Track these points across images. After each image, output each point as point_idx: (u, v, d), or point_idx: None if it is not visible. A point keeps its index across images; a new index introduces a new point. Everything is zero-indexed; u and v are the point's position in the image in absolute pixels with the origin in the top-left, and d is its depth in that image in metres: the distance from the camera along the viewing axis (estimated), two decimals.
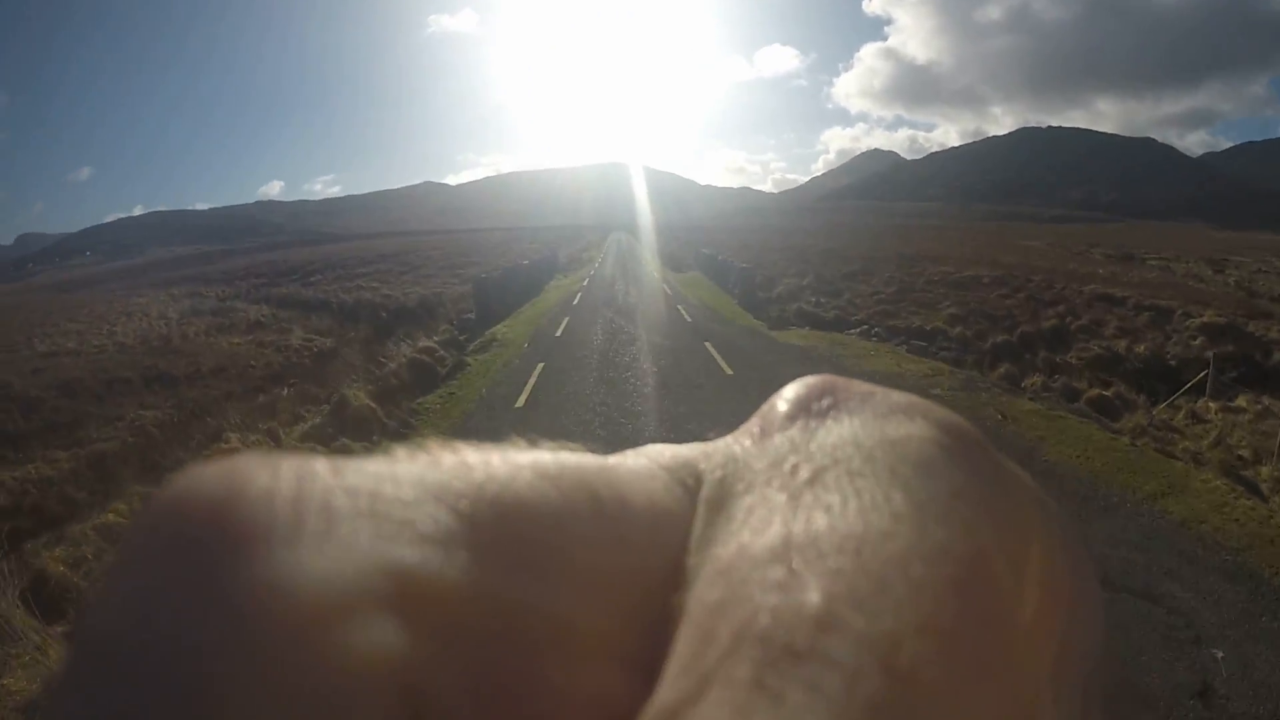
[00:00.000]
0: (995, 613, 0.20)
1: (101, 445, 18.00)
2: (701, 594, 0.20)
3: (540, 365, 16.95)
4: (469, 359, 18.45)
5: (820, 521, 0.20)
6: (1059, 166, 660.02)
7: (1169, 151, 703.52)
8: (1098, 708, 0.25)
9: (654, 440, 0.32)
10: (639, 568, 0.21)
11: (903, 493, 0.21)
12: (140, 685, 0.16)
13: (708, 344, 18.77)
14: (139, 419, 20.04)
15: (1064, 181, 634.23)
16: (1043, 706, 0.21)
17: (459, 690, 0.17)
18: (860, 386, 0.27)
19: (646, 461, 0.25)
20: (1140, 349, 21.45)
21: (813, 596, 0.18)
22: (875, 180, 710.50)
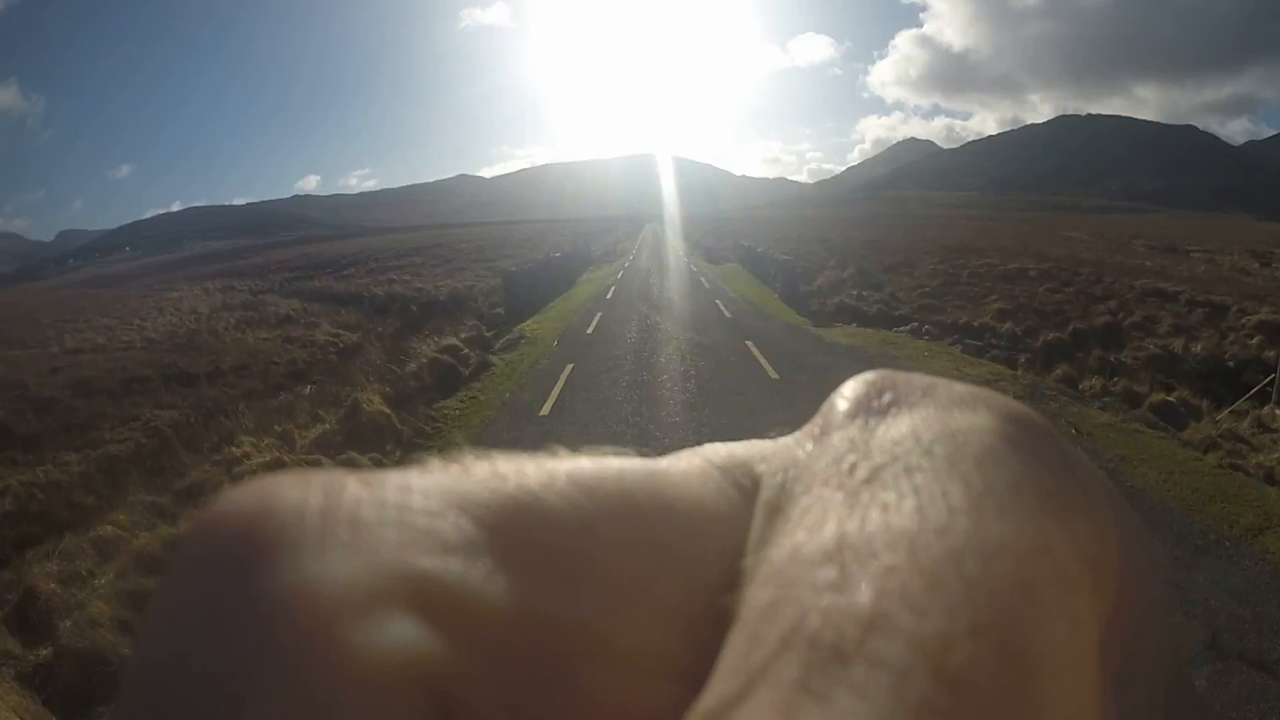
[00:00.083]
0: (1057, 612, 0.19)
1: (114, 447, 17.36)
2: (753, 596, 0.19)
3: (569, 367, 15.99)
4: (494, 358, 17.52)
5: (875, 519, 0.20)
6: (1099, 155, 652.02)
7: (1211, 140, 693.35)
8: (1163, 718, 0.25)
9: None
10: (681, 574, 0.21)
11: (961, 486, 0.20)
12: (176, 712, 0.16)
13: (749, 343, 17.65)
14: (154, 420, 19.42)
15: (1104, 171, 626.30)
16: (1106, 713, 0.20)
17: (487, 696, 0.18)
18: (921, 380, 0.26)
19: (700, 462, 0.25)
20: (1197, 348, 20.38)
21: (862, 596, 0.18)
22: (911, 170, 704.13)
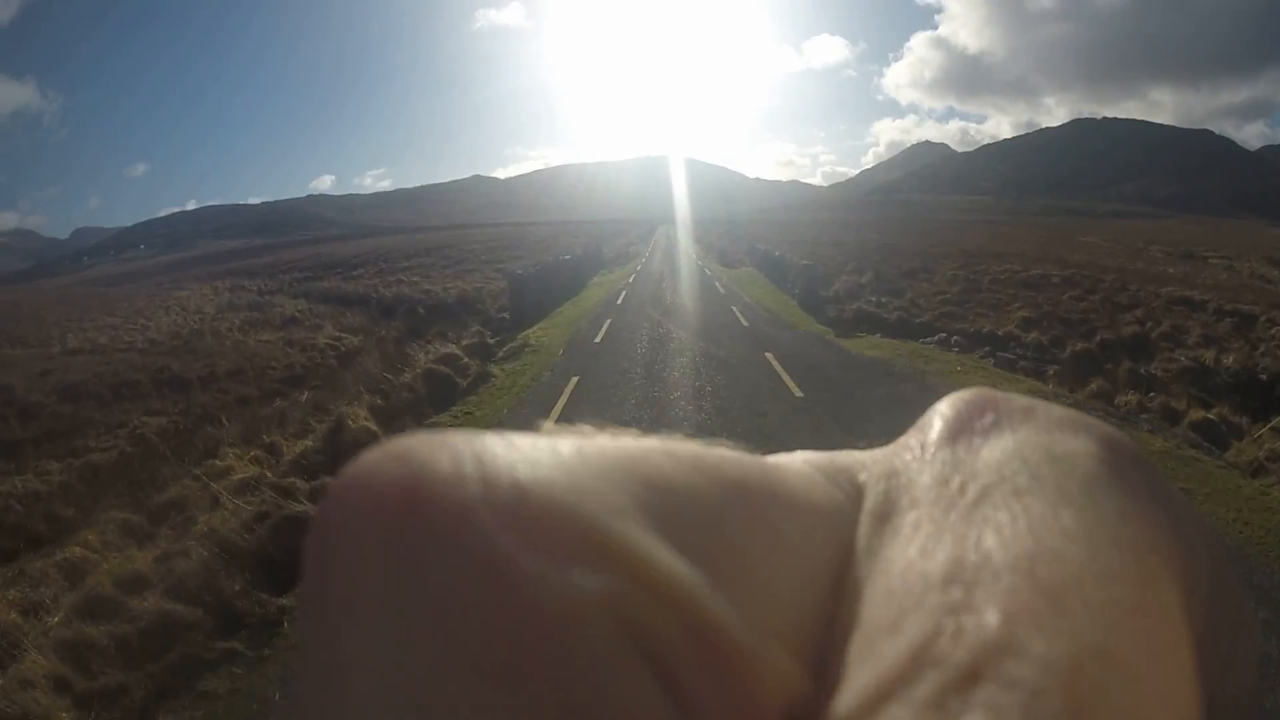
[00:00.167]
0: (1167, 639, 0.19)
1: (98, 456, 16.74)
2: (873, 609, 0.20)
3: (574, 380, 14.92)
4: (495, 369, 16.51)
5: (991, 541, 0.20)
6: (1114, 159, 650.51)
7: (1227, 144, 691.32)
8: None
9: None
10: (795, 567, 0.22)
11: (1072, 512, 0.21)
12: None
13: (769, 355, 16.51)
14: (141, 427, 18.72)
15: (1119, 175, 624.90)
16: None
17: (673, 646, 0.18)
18: (1020, 401, 0.26)
19: (801, 464, 0.26)
20: (1229, 360, 19.22)
21: (991, 618, 0.18)
22: (926, 173, 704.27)
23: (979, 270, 34.19)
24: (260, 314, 40.77)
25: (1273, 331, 22.24)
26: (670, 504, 0.20)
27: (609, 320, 22.74)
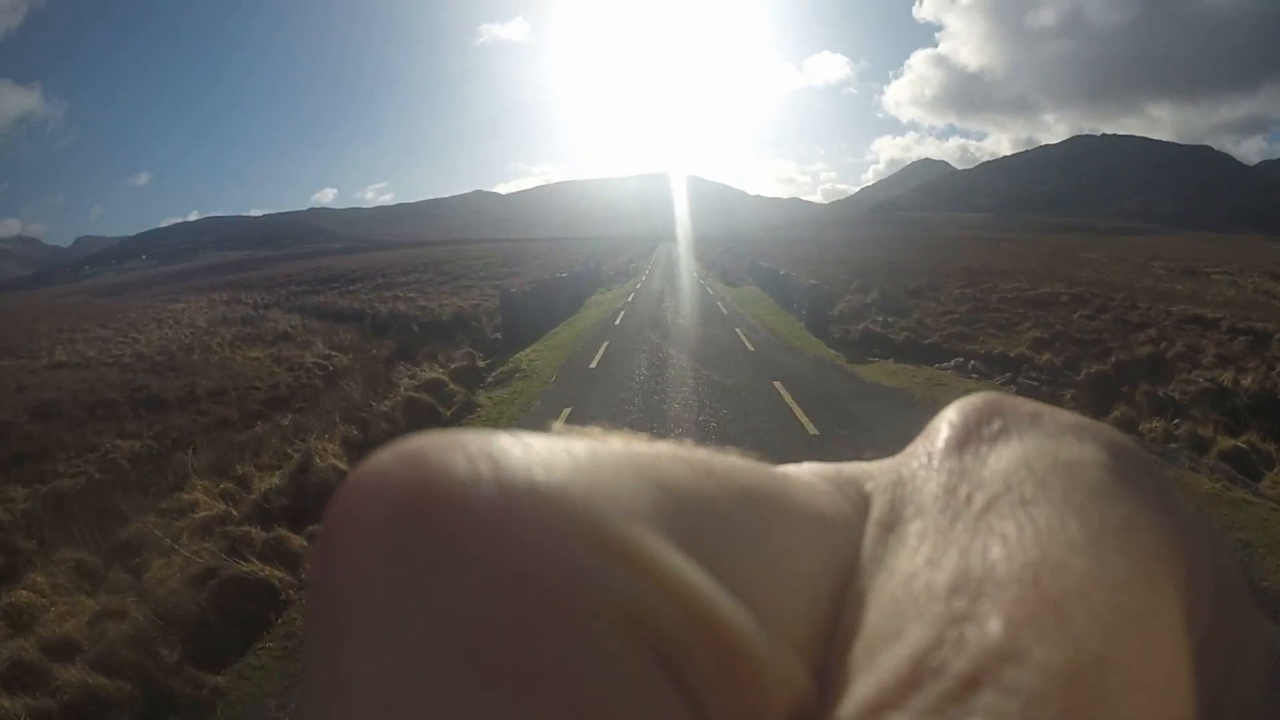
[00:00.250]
0: (1170, 646, 0.20)
1: (65, 483, 15.91)
2: (876, 617, 0.21)
3: (566, 411, 13.81)
4: (482, 397, 15.54)
5: (997, 551, 0.21)
6: (1114, 176, 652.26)
7: (1227, 160, 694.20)
8: None
9: None
10: (802, 574, 0.22)
11: (1078, 521, 0.21)
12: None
13: (778, 384, 15.43)
14: (114, 451, 17.92)
15: (1119, 192, 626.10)
16: None
17: (691, 650, 0.18)
18: (1028, 406, 0.26)
19: (809, 474, 0.26)
20: (1247, 381, 18.30)
21: (993, 626, 0.19)
22: (926, 190, 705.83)
23: (986, 289, 33.56)
24: (253, 329, 40.41)
25: None
26: (683, 509, 0.21)
27: (606, 343, 21.71)
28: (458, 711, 0.17)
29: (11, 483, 15.80)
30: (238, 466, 12.50)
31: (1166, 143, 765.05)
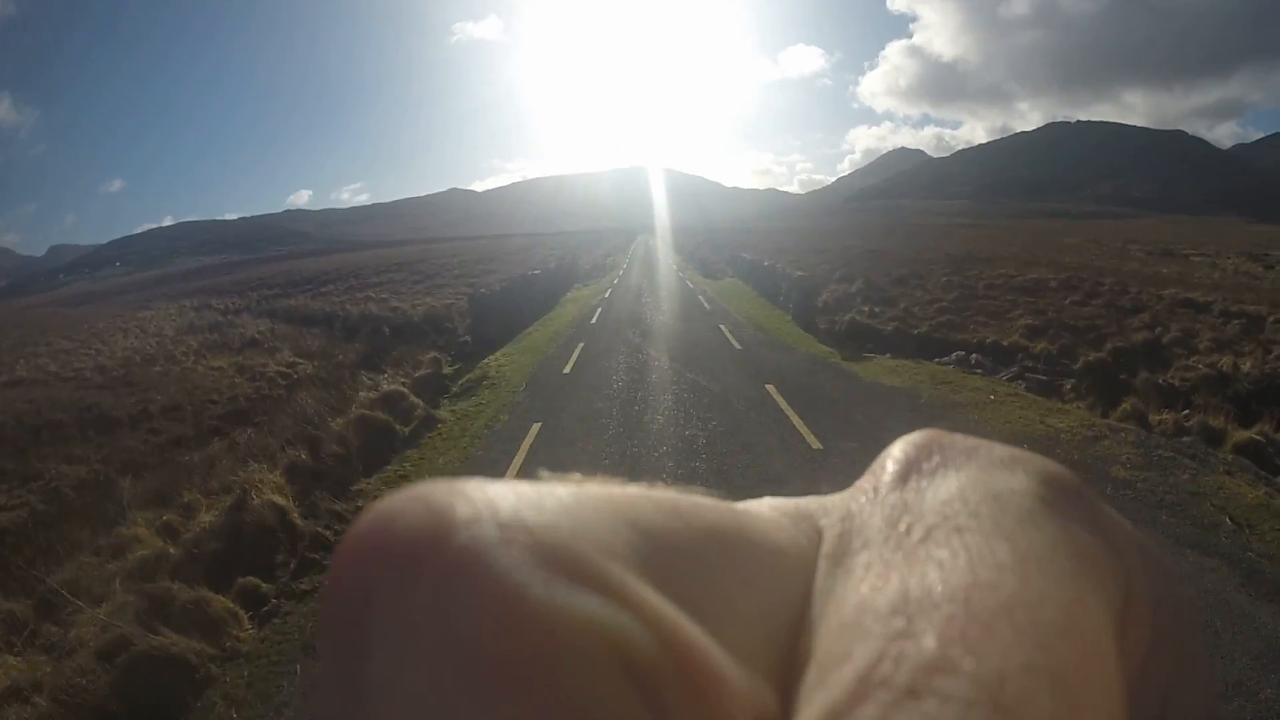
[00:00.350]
0: (1092, 652, 0.22)
1: (4, 516, 14.90)
2: (827, 641, 0.23)
3: (536, 427, 12.51)
4: (445, 410, 14.20)
5: (933, 575, 0.23)
6: (1089, 161, 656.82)
7: (1200, 144, 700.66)
8: None
9: None
10: (762, 608, 0.25)
11: (1006, 545, 0.24)
12: None
13: (771, 388, 14.14)
14: (58, 479, 16.71)
15: (1094, 177, 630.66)
16: None
17: (658, 662, 0.20)
18: (965, 442, 0.29)
19: (768, 510, 0.29)
20: (1246, 366, 18.39)
21: (929, 642, 0.21)
22: (902, 179, 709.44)
23: (972, 276, 33.00)
24: (220, 336, 39.43)
25: None
26: (655, 547, 0.23)
27: (581, 344, 20.43)
28: (463, 710, 0.19)
29: None
30: (185, 493, 11.43)
31: (1140, 128, 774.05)
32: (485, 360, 18.98)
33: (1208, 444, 12.09)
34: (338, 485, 10.26)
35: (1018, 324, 23.03)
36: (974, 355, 17.74)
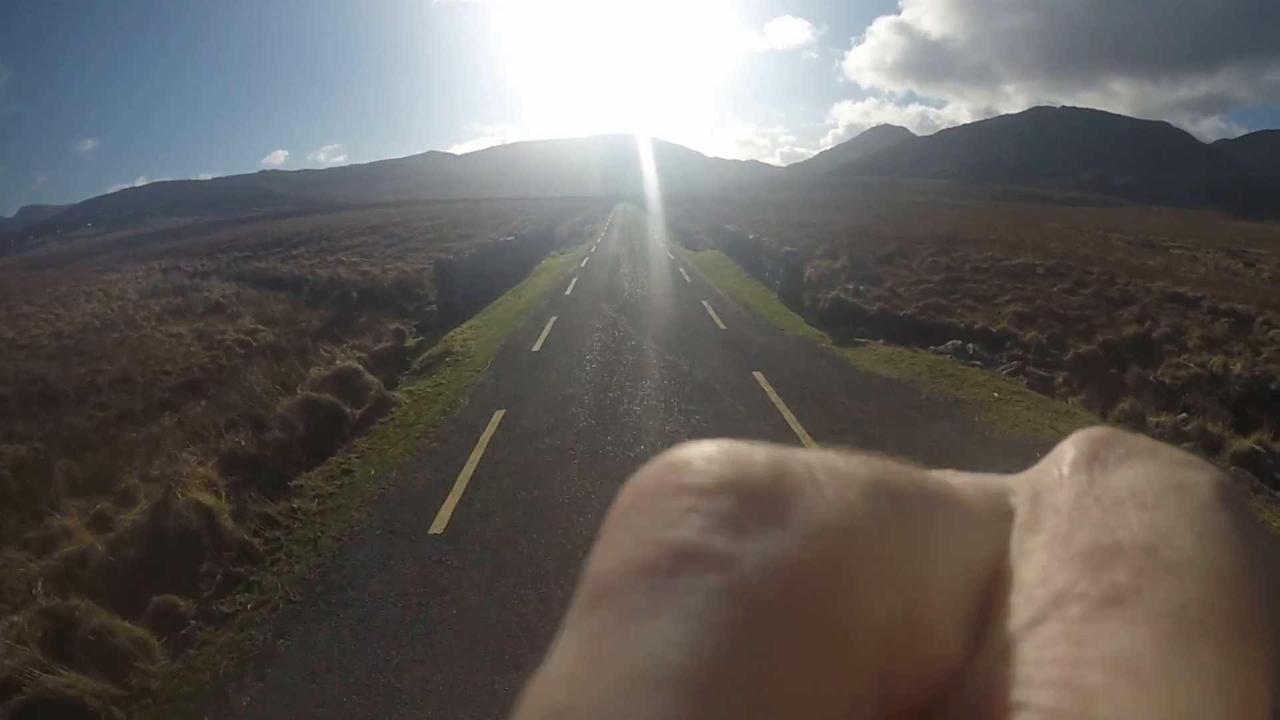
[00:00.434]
0: (1249, 615, 0.25)
1: None
2: (1027, 575, 0.27)
3: (499, 415, 11.28)
4: (401, 391, 13.02)
5: (1122, 534, 0.26)
6: (1072, 148, 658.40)
7: (1184, 137, 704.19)
8: None
9: None
10: (966, 560, 0.27)
11: (1188, 522, 0.27)
12: None
13: (759, 375, 13.12)
14: None
15: (1076, 163, 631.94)
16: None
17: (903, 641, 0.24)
18: (1146, 442, 0.32)
19: (965, 482, 0.31)
20: (1237, 368, 18.28)
21: (1121, 575, 0.25)
22: (884, 156, 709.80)
23: (958, 257, 32.56)
24: (184, 300, 37.74)
25: (1272, 334, 21.70)
26: (902, 512, 0.26)
27: (554, 318, 19.30)
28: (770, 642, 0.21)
29: None
30: (124, 477, 10.34)
31: (1125, 117, 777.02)
32: (450, 333, 17.86)
33: (1207, 451, 11.77)
34: (276, 479, 9.15)
35: (1006, 310, 22.69)
36: (970, 345, 17.02)
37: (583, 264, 35.29)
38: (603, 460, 9.55)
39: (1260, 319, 22.90)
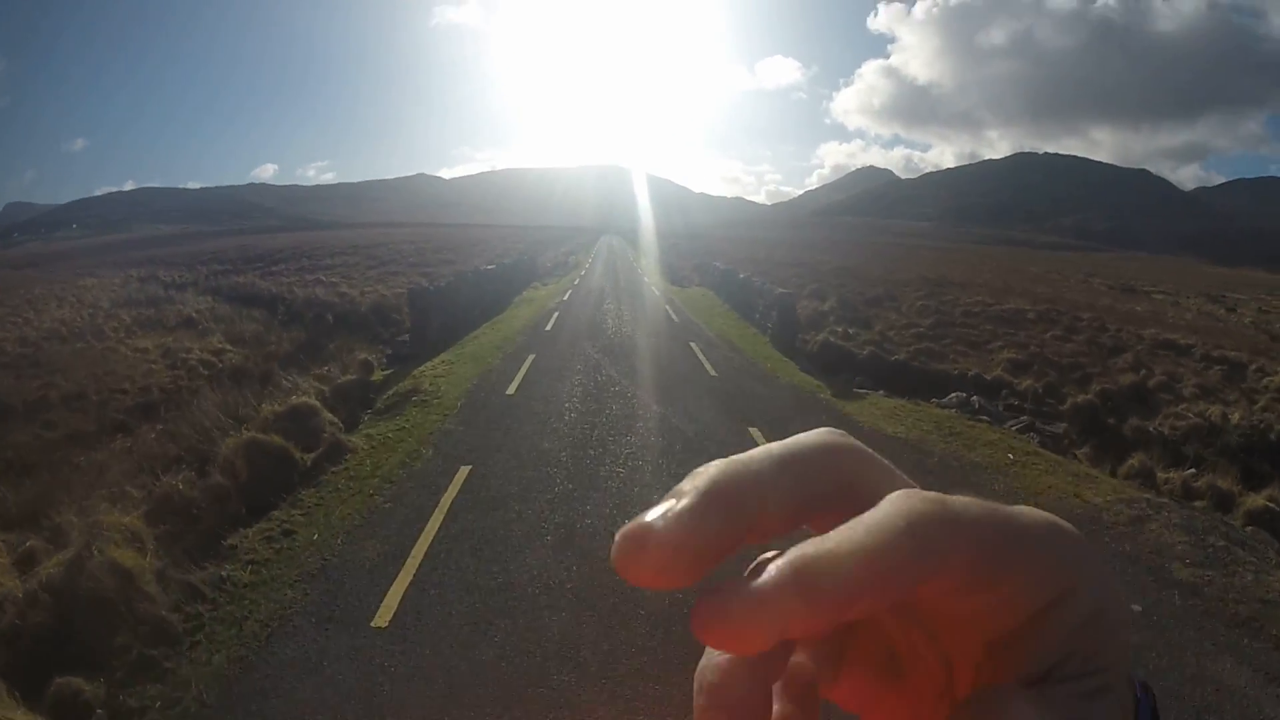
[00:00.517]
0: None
1: None
2: None
3: (463, 473, 10.01)
4: (359, 435, 11.85)
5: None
6: (1053, 193, 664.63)
7: (1164, 185, 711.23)
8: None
9: None
10: None
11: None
12: None
13: (755, 432, 12.04)
14: None
15: (1058, 209, 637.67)
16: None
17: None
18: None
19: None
20: (1235, 418, 17.91)
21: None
22: (868, 198, 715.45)
23: (947, 301, 32.20)
24: (156, 312, 36.61)
25: (1265, 382, 21.44)
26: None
27: (532, 356, 18.16)
28: None
29: None
30: (61, 511, 9.28)
31: (1106, 164, 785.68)
32: (421, 368, 16.81)
33: (1219, 509, 11.41)
34: (209, 538, 7.98)
35: (1000, 357, 22.33)
36: (975, 398, 16.27)
37: (565, 297, 34.42)
38: (581, 536, 8.22)
39: (1253, 366, 22.69)
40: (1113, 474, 12.43)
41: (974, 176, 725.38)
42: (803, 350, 20.52)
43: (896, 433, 12.65)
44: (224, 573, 7.27)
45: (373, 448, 11.22)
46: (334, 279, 45.97)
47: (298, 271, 53.97)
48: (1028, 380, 19.96)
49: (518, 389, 14.95)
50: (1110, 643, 0.32)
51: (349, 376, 15.07)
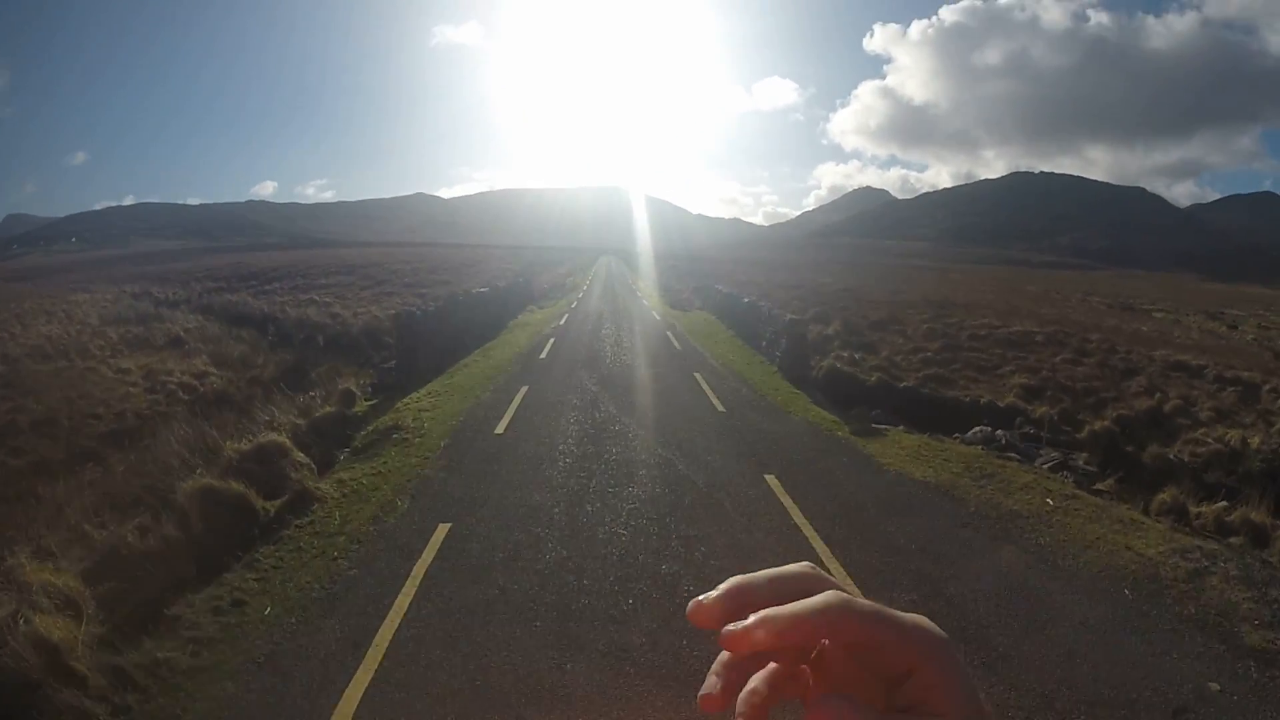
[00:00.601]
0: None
1: None
2: None
3: (441, 532, 8.91)
4: (330, 481, 10.79)
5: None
6: (1049, 212, 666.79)
7: (1159, 202, 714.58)
8: None
9: None
10: None
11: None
12: None
13: (772, 481, 10.92)
14: None
15: (1054, 227, 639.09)
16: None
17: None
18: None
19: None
20: (1255, 441, 17.59)
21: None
22: (866, 218, 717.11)
23: (953, 324, 31.66)
24: (145, 330, 35.88)
25: (1279, 403, 21.27)
26: None
27: (524, 388, 17.17)
28: None
29: None
30: (14, 550, 8.33)
31: (1101, 183, 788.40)
32: (405, 399, 15.89)
33: (1254, 544, 10.58)
34: (152, 604, 6.93)
35: (1011, 382, 21.90)
36: (1000, 432, 15.47)
37: (562, 321, 33.70)
38: (577, 620, 6.97)
39: (1267, 387, 22.46)
40: (1145, 511, 11.63)
41: (970, 196, 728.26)
42: (810, 378, 19.85)
43: (925, 476, 11.58)
44: (160, 654, 6.21)
45: (344, 496, 10.17)
46: (328, 299, 45.58)
47: (292, 290, 53.68)
48: (1042, 407, 19.26)
49: (507, 427, 13.95)
50: (952, 707, 0.48)
51: (328, 409, 14.15)
